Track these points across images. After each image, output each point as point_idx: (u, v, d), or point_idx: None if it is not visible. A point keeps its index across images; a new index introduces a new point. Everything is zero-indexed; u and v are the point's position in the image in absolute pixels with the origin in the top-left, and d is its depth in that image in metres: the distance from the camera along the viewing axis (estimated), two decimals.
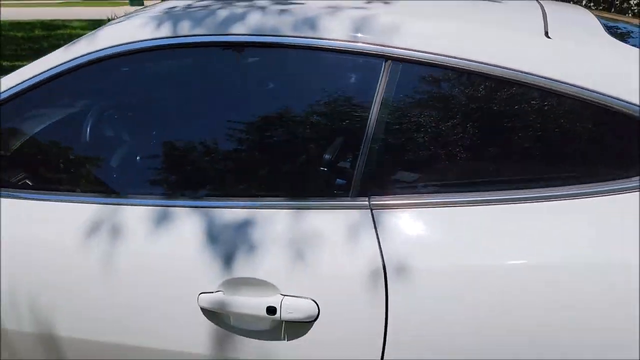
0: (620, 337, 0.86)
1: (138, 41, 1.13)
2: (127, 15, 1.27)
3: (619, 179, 0.93)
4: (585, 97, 0.95)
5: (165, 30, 1.14)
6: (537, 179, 0.96)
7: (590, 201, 0.92)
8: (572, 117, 0.96)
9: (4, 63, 7.17)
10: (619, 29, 1.26)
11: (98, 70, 1.15)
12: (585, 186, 0.94)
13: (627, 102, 0.94)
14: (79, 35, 8.64)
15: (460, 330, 0.91)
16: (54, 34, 10.17)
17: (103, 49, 1.14)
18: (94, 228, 1.07)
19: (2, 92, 1.19)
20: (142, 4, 19.62)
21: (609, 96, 0.94)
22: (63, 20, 13.07)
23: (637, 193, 0.91)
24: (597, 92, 0.94)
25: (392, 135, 1.01)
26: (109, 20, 9.66)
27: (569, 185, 0.94)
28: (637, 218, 0.88)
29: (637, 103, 0.94)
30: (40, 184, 1.18)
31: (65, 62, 1.15)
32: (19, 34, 10.13)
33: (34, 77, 1.17)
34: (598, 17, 1.29)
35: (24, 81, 1.18)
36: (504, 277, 0.90)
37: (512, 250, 0.91)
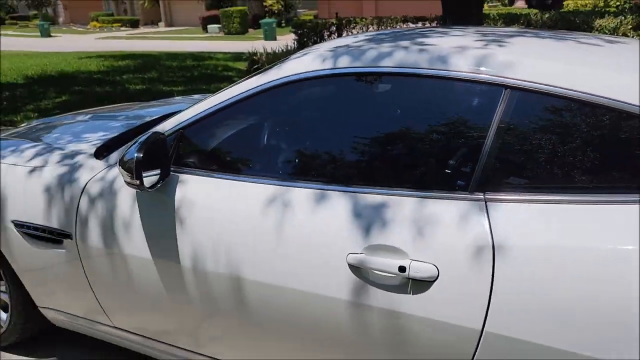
0: None
1: (312, 71, 1.55)
2: (302, 52, 1.70)
3: None
4: None
5: (330, 63, 1.54)
6: (618, 187, 1.18)
7: None
8: None
9: (164, 88, 8.39)
10: None
11: (284, 91, 1.58)
12: None
13: None
14: (222, 66, 9.81)
15: (549, 302, 1.15)
16: (202, 64, 11.56)
17: (288, 76, 1.57)
18: (271, 201, 1.48)
19: (210, 108, 1.67)
20: (275, 39, 21.29)
21: None
22: (209, 53, 14.74)
23: None
24: None
25: (505, 146, 1.30)
26: (249, 53, 10.79)
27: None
28: None
29: None
30: (234, 170, 1.63)
31: (259, 85, 1.60)
32: (174, 64, 11.68)
33: (237, 95, 1.63)
34: None
35: (228, 99, 1.65)
36: (593, 261, 1.13)
37: (601, 240, 1.14)
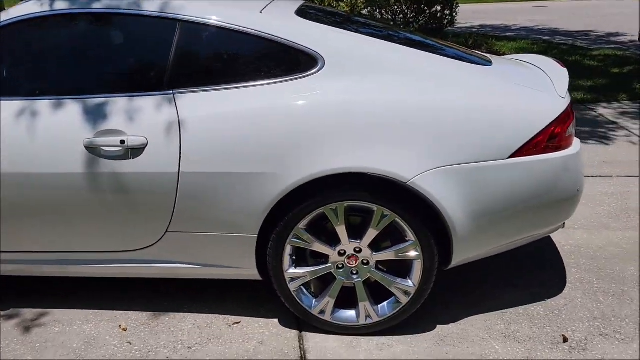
0: None
1: (36, 12, 2.05)
2: (25, 1, 2.17)
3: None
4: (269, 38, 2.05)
5: (48, 7, 2.07)
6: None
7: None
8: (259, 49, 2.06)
9: None
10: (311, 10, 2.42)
11: (15, 29, 2.04)
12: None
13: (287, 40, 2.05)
14: None
15: (214, 147, 1.95)
16: None
17: (17, 17, 2.04)
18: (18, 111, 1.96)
19: None
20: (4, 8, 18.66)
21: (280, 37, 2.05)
22: None
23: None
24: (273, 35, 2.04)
25: (181, 61, 2.03)
26: None
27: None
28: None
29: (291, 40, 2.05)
30: None
31: None
32: None
33: None
34: (305, 5, 2.45)
35: None
36: (234, 119, 1.95)
37: (237, 107, 1.97)
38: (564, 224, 2.38)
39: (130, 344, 2.11)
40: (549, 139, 2.03)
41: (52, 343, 2.12)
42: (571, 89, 8.08)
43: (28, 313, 2.29)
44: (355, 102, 1.96)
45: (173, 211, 2.03)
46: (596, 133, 5.14)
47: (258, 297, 2.33)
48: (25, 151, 1.96)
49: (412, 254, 2.05)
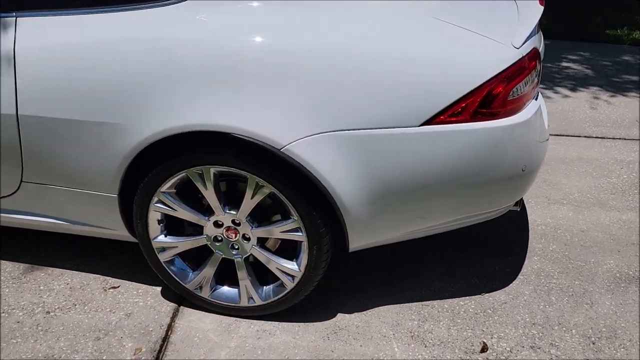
0: None
1: None
2: None
3: None
4: None
5: None
6: None
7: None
8: None
9: None
10: None
11: None
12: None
13: None
14: None
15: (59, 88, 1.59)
16: None
17: None
18: None
19: None
20: None
21: None
22: None
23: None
24: None
25: None
26: None
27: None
28: None
29: None
30: None
31: None
32: None
33: None
34: None
35: None
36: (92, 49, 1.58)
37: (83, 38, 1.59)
38: (518, 204, 1.91)
39: None
40: (481, 103, 1.53)
41: None
42: (634, 26, 6.78)
43: None
44: (221, 42, 1.52)
45: (22, 160, 1.73)
46: None
47: None
48: None
49: (297, 234, 1.67)
